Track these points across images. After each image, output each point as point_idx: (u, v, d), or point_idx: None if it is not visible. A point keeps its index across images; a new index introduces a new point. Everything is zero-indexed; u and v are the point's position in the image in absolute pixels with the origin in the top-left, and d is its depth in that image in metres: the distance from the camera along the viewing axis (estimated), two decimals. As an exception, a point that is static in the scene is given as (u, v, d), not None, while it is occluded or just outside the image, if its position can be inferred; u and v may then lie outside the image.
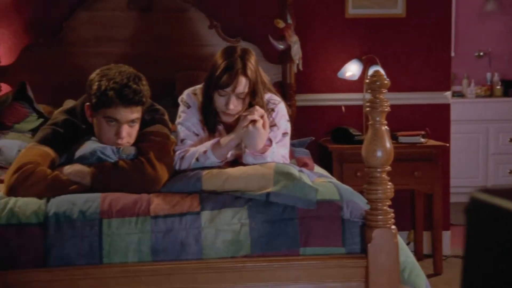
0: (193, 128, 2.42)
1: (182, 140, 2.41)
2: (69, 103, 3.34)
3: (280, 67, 3.89)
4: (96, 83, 2.25)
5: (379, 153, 2.06)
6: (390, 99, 2.12)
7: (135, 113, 2.28)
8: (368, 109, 2.09)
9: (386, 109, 2.08)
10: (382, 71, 2.14)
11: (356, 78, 3.96)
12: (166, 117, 2.48)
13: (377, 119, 2.08)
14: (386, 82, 2.07)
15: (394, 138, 3.65)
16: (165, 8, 3.83)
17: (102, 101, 2.23)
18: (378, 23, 4.09)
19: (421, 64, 4.14)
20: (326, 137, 3.98)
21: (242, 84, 2.32)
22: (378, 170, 2.08)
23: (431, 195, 3.81)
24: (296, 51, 3.80)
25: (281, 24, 3.76)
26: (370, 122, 2.09)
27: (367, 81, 2.10)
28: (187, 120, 2.43)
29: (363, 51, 4.03)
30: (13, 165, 2.18)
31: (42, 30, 3.79)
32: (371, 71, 3.92)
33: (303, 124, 3.94)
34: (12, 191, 2.11)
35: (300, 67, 3.84)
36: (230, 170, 2.22)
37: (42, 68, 3.70)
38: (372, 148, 2.06)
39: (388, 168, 2.09)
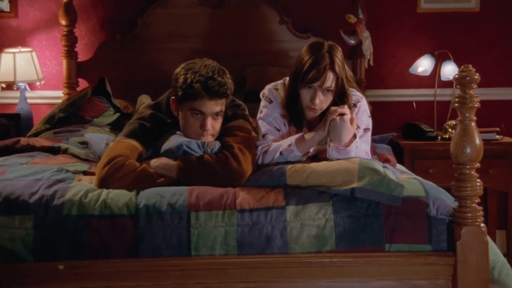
0: (274, 123, 2.44)
1: (263, 135, 2.42)
2: (143, 99, 3.42)
3: (351, 63, 3.87)
4: (182, 77, 2.30)
5: (468, 150, 2.03)
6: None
7: (219, 106, 2.31)
8: (457, 104, 2.05)
9: (476, 105, 2.04)
10: (456, 67, 2.09)
11: (428, 73, 3.89)
12: (247, 112, 2.50)
13: (467, 115, 2.04)
14: (476, 77, 2.03)
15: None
16: (237, 4, 3.86)
17: (188, 94, 2.27)
18: (451, 18, 4.01)
19: (495, 59, 4.03)
20: (397, 133, 3.93)
21: (330, 79, 2.33)
22: (467, 166, 2.04)
23: (506, 193, 3.73)
24: (367, 46, 3.77)
25: (352, 19, 3.73)
26: (459, 118, 2.06)
27: (456, 76, 2.07)
28: (268, 115, 2.45)
29: (436, 46, 3.95)
30: (103, 158, 2.24)
31: (118, 26, 3.87)
32: (444, 66, 3.86)
33: (374, 119, 3.87)
34: (103, 183, 2.16)
35: (371, 63, 3.80)
36: (314, 165, 2.22)
37: (117, 64, 3.78)
38: (461, 144, 2.03)
39: (477, 165, 2.06)
